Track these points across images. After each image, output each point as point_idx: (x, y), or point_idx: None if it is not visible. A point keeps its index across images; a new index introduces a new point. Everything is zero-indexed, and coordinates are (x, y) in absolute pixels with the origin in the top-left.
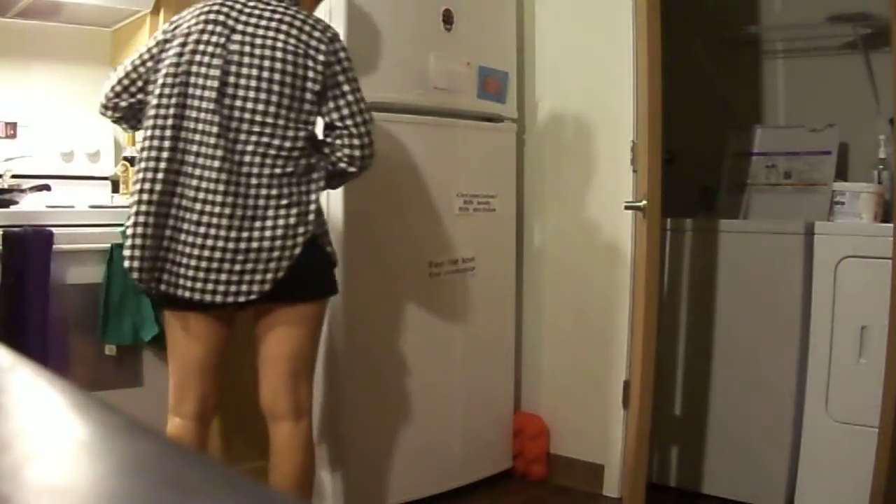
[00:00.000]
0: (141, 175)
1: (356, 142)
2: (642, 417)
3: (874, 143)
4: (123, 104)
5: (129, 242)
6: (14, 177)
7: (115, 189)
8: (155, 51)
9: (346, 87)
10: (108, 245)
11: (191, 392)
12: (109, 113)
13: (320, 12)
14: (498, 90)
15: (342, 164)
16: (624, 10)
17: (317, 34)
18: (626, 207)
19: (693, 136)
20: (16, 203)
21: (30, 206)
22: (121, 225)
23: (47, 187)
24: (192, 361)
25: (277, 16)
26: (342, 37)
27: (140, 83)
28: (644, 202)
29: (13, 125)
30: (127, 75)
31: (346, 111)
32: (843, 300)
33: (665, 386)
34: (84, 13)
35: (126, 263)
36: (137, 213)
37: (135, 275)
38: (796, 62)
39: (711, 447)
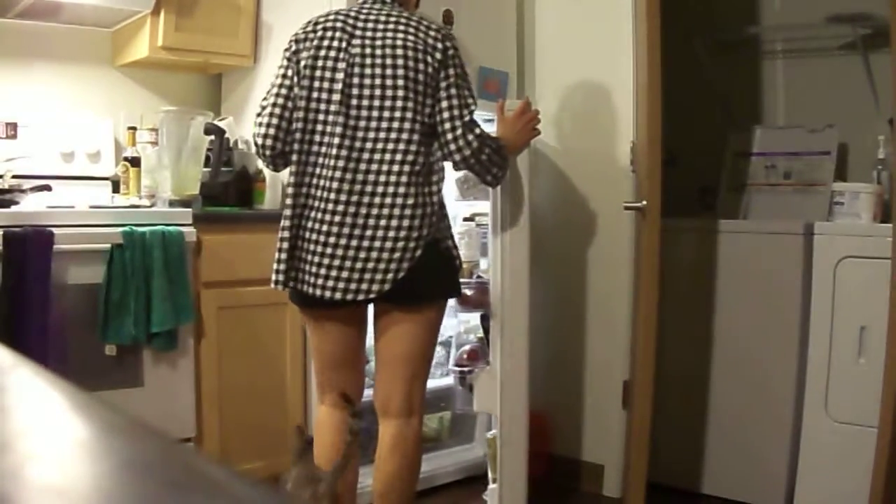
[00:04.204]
0: (287, 180)
1: (462, 135)
2: (642, 417)
3: (874, 144)
4: (279, 142)
5: (277, 246)
6: (14, 177)
7: (116, 189)
8: (290, 73)
9: (454, 87)
10: (109, 245)
11: (329, 384)
12: (270, 156)
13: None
14: (498, 90)
15: (454, 157)
16: (624, 10)
17: (432, 33)
18: (626, 207)
19: (693, 136)
20: (16, 203)
21: (30, 206)
22: (121, 225)
23: (48, 187)
24: (327, 358)
25: (393, 18)
26: None
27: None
28: (644, 202)
29: (13, 125)
30: (273, 114)
31: (456, 111)
32: (843, 300)
33: (665, 386)
34: (84, 13)
35: (273, 266)
36: (283, 218)
37: (273, 276)
38: (796, 62)
39: (711, 447)
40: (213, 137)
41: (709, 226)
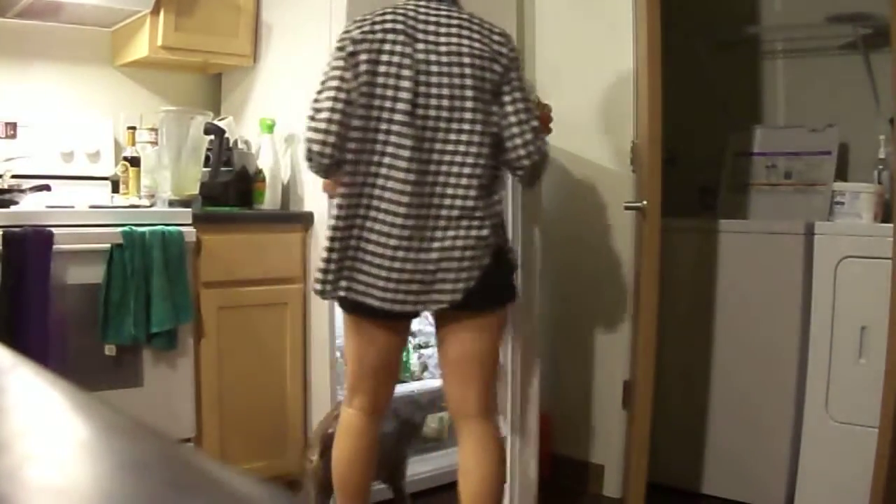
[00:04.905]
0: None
1: (532, 141)
2: (642, 417)
3: (874, 143)
4: (338, 150)
5: (324, 255)
6: (14, 177)
7: (115, 189)
8: (349, 76)
9: (519, 90)
10: (108, 245)
11: (363, 389)
12: (327, 164)
13: (320, 11)
14: None
15: (522, 162)
16: (624, 10)
17: (496, 37)
18: (626, 207)
19: (693, 136)
20: (16, 203)
21: (30, 206)
22: (121, 225)
23: (47, 187)
24: (367, 364)
25: (455, 21)
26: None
27: (347, 118)
28: (644, 202)
29: (13, 125)
30: (332, 120)
31: (523, 116)
32: (843, 300)
33: (665, 386)
34: (84, 13)
35: (318, 275)
36: (333, 228)
37: (317, 286)
38: (796, 62)
39: (711, 447)
40: (212, 137)
41: (709, 226)
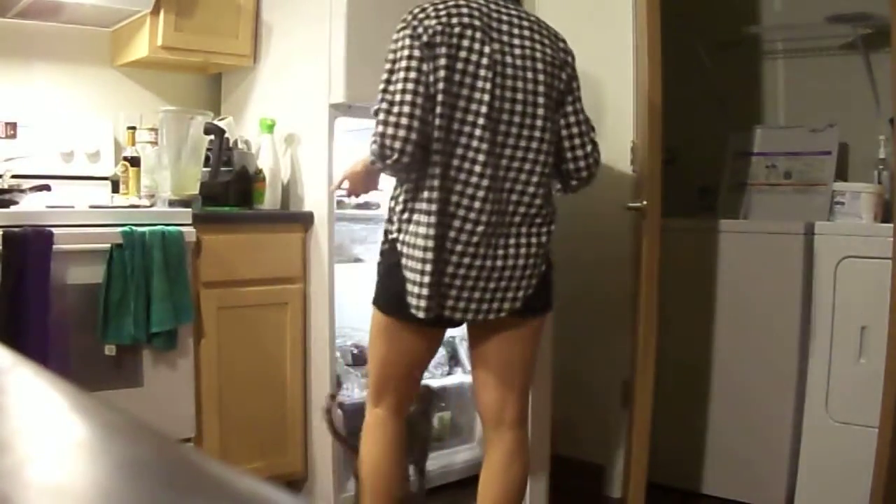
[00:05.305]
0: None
1: (592, 153)
2: (642, 417)
3: (874, 143)
4: (419, 147)
5: (419, 266)
6: (14, 177)
7: (115, 189)
8: (426, 67)
9: (579, 101)
10: (108, 245)
11: (393, 389)
12: (405, 164)
13: (320, 11)
14: None
15: (581, 174)
16: (624, 10)
17: (562, 44)
18: (627, 208)
19: (693, 136)
20: (16, 203)
21: (30, 206)
22: (121, 225)
23: (47, 187)
24: (403, 366)
25: (525, 22)
26: (342, 36)
27: (426, 110)
28: (644, 202)
29: (13, 125)
30: (414, 115)
31: (584, 127)
32: (843, 300)
33: (665, 386)
34: (84, 13)
35: (416, 289)
36: (424, 237)
37: (418, 301)
38: (796, 62)
39: (711, 447)
40: (212, 137)
41: (709, 226)
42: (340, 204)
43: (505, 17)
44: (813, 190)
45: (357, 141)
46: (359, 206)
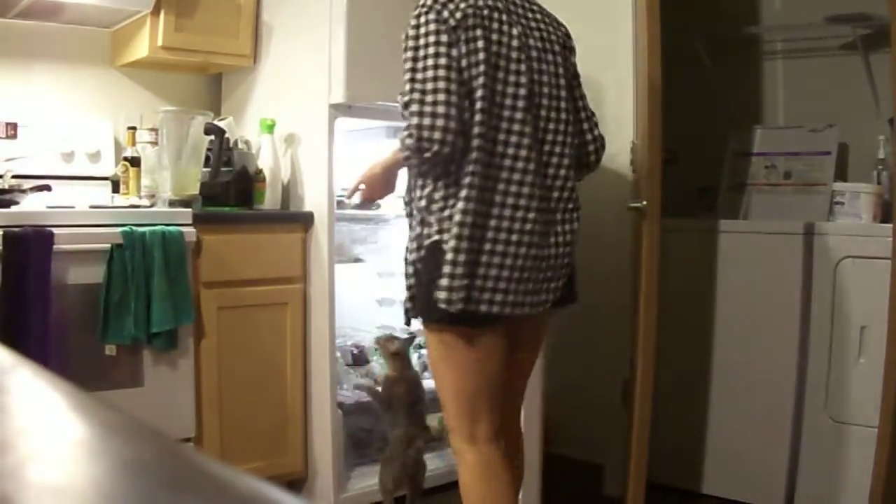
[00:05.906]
0: (454, 190)
1: (601, 136)
2: (642, 417)
3: (874, 143)
4: (460, 137)
5: (450, 257)
6: (14, 177)
7: (116, 189)
8: (456, 53)
9: (582, 87)
10: (109, 245)
11: (484, 411)
12: (446, 154)
13: (320, 11)
14: None
15: (591, 158)
16: (624, 9)
17: (564, 29)
18: (627, 208)
19: (693, 136)
20: (16, 203)
21: (30, 206)
22: (121, 225)
23: (48, 187)
24: (489, 378)
25: (535, 7)
26: (342, 36)
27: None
28: (644, 202)
29: (13, 125)
30: (451, 103)
31: (590, 112)
32: (843, 300)
33: (665, 386)
34: (84, 13)
35: (444, 282)
36: (458, 225)
37: (447, 293)
38: (796, 62)
39: (711, 447)
40: (212, 137)
41: (709, 226)
42: (340, 204)
43: (518, 1)
44: (812, 190)
45: (357, 141)
46: (359, 206)
